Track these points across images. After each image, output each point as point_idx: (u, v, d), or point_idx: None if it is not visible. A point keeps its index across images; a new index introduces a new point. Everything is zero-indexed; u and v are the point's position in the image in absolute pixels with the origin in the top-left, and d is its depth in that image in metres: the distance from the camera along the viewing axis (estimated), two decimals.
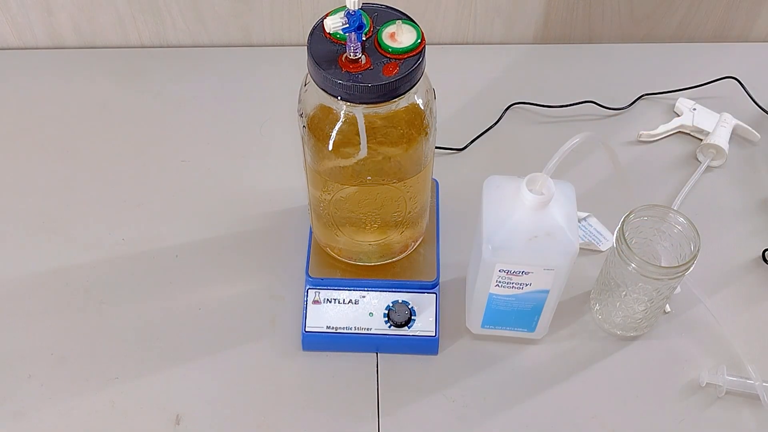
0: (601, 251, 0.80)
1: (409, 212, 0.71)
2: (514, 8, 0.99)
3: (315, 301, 0.73)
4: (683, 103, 0.93)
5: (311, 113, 0.62)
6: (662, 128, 0.91)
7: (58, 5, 0.97)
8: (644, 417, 0.70)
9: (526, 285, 0.66)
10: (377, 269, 0.75)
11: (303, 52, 0.58)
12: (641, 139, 0.91)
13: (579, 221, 0.81)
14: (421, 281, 0.74)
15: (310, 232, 0.77)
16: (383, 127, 0.62)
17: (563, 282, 0.66)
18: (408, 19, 0.60)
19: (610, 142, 0.90)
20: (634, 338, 0.75)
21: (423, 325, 0.72)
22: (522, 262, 0.63)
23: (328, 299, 0.74)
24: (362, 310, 0.73)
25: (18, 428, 0.69)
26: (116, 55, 1.01)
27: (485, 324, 0.72)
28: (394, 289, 0.74)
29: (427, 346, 0.73)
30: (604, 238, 0.81)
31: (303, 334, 0.72)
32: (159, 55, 1.01)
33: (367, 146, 0.62)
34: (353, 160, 0.63)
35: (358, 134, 0.61)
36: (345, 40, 0.57)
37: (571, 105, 0.94)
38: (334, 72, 0.57)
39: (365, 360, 0.73)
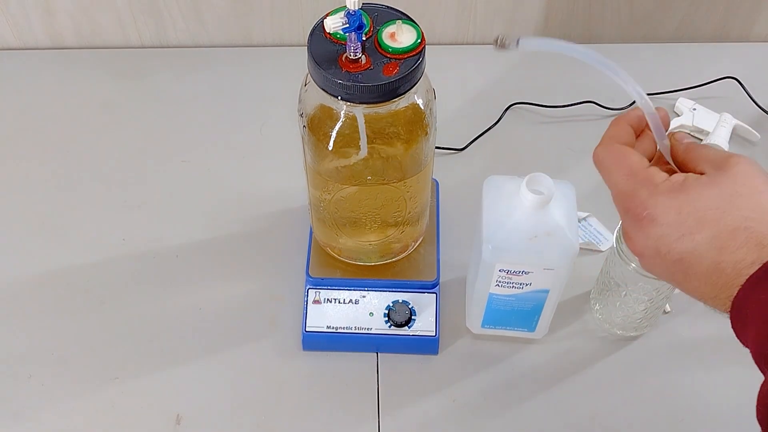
0: (601, 251, 0.80)
1: (409, 212, 0.71)
2: (515, 8, 0.99)
3: (315, 301, 0.73)
4: (683, 103, 0.93)
5: (311, 113, 0.62)
6: None
7: (58, 6, 0.97)
8: (644, 417, 0.70)
9: (526, 285, 0.66)
10: (377, 269, 0.75)
11: (303, 52, 0.58)
12: None
13: (579, 221, 0.81)
14: (421, 281, 0.74)
15: (311, 232, 0.77)
16: (383, 127, 0.62)
17: (563, 282, 0.66)
18: (408, 19, 0.60)
19: None
20: (634, 338, 0.75)
21: (423, 325, 0.72)
22: (522, 262, 0.63)
23: (328, 299, 0.74)
24: (362, 310, 0.73)
25: (18, 428, 0.69)
26: (117, 55, 1.01)
27: (485, 324, 0.72)
28: (394, 289, 0.74)
29: (428, 346, 0.73)
30: (604, 238, 0.81)
31: (303, 333, 0.72)
32: (159, 55, 1.01)
33: (367, 146, 0.62)
34: (353, 160, 0.64)
35: (358, 134, 0.61)
36: (345, 40, 0.57)
37: (571, 105, 0.94)
38: (335, 72, 0.57)
39: (365, 360, 0.73)
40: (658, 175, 0.49)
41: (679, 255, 0.46)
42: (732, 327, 0.46)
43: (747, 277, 0.44)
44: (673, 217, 0.46)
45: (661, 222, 0.47)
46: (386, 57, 0.58)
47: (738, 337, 0.46)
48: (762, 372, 0.43)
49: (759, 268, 0.44)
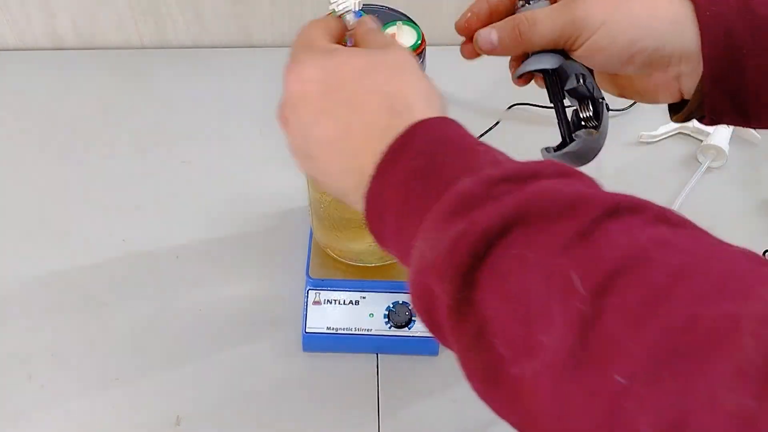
0: None
1: None
2: None
3: (315, 302, 0.73)
4: None
5: None
6: (662, 129, 0.91)
7: (58, 6, 0.97)
8: None
9: None
10: (377, 270, 0.75)
11: None
12: (642, 140, 0.91)
13: None
14: None
15: (311, 233, 0.76)
16: None
17: None
18: (408, 20, 0.60)
19: (611, 143, 0.90)
20: None
21: (423, 326, 0.72)
22: None
23: (328, 300, 0.73)
24: (363, 311, 0.73)
25: (18, 429, 0.69)
26: (117, 55, 1.01)
27: None
28: (394, 290, 0.74)
29: (428, 346, 0.73)
30: None
31: (303, 335, 0.72)
32: (159, 55, 1.01)
33: None
34: None
35: None
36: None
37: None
38: None
39: (366, 361, 0.73)
40: (324, 41, 0.46)
41: (318, 115, 0.42)
42: (368, 224, 0.41)
43: (382, 150, 0.39)
44: (316, 72, 0.43)
45: (304, 76, 0.43)
46: None
47: (376, 238, 0.42)
48: (407, 266, 0.39)
49: (391, 144, 0.39)
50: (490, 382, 0.34)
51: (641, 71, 0.51)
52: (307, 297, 0.74)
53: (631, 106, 0.94)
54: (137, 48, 1.02)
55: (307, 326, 0.72)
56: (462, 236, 0.34)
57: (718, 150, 0.88)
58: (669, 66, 0.50)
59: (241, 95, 0.96)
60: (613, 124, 0.93)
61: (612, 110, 0.94)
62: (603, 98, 0.53)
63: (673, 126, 0.91)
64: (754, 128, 0.54)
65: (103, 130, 0.92)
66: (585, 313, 0.30)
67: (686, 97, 0.52)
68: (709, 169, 0.88)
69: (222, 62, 1.00)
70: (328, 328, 0.72)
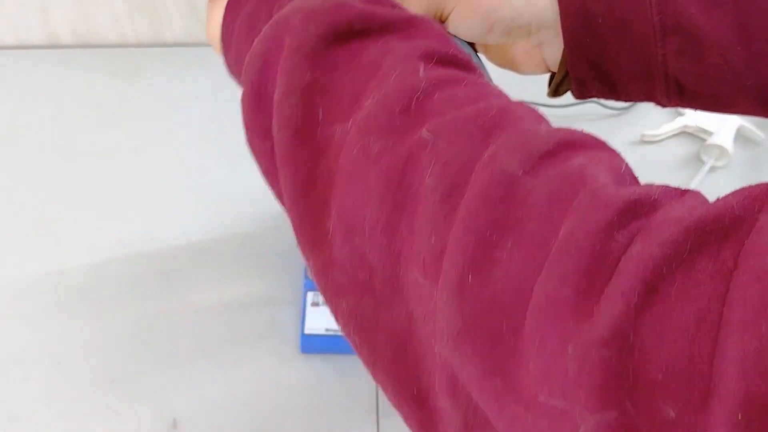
0: None
1: None
2: None
3: (314, 304, 0.73)
4: None
5: None
6: (665, 128, 0.90)
7: (54, 4, 0.96)
8: None
9: None
10: None
11: None
12: (644, 139, 0.90)
13: None
14: None
15: None
16: None
17: None
18: None
19: (614, 142, 0.89)
20: None
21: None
22: None
23: None
24: None
25: (13, 431, 0.69)
26: (113, 53, 1.00)
27: None
28: None
29: None
30: None
31: (302, 336, 0.72)
32: (156, 54, 1.00)
33: None
34: None
35: None
36: None
37: (573, 105, 0.93)
38: None
39: None
40: None
41: None
42: (223, 22, 0.47)
43: None
44: None
45: None
46: None
47: (224, 36, 0.49)
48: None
49: None
50: (300, 134, 0.37)
51: (505, 40, 0.53)
52: (306, 298, 0.73)
53: (632, 105, 0.93)
54: (133, 45, 1.01)
55: (305, 328, 0.72)
56: (346, 5, 0.37)
57: (722, 149, 0.87)
58: (529, 35, 0.52)
59: (239, 93, 0.95)
60: (614, 123, 0.93)
61: (612, 109, 0.93)
62: (490, 79, 0.55)
63: (676, 125, 0.90)
64: (625, 101, 0.56)
65: (100, 130, 0.91)
66: (418, 89, 0.34)
67: (551, 68, 0.54)
68: (712, 168, 0.87)
69: (219, 59, 0.99)
70: (326, 330, 0.72)
